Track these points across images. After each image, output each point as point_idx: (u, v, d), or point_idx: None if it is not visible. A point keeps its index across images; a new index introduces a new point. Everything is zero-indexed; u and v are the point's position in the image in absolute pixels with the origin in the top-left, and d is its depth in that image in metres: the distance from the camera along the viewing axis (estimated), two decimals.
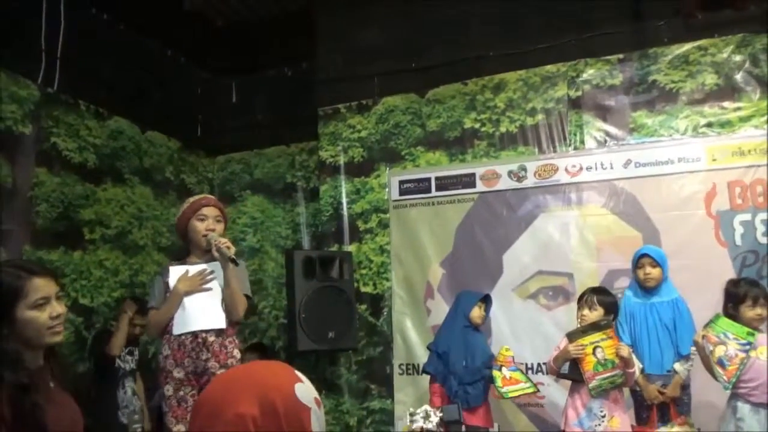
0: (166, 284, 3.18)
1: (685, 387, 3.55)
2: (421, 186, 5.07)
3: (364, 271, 5.17)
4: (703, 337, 3.33)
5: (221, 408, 1.05)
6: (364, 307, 5.12)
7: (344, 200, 5.31)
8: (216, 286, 3.17)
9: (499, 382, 3.76)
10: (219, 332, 3.13)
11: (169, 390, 3.07)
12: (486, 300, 4.13)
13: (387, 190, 5.18)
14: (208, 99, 6.09)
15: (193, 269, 3.18)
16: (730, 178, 4.27)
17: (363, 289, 5.15)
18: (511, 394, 3.80)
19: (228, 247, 3.09)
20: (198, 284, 3.14)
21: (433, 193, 5.02)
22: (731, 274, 3.95)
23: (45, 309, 1.78)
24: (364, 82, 5.32)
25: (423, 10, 5.17)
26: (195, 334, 3.09)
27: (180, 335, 3.10)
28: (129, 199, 5.14)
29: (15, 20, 4.24)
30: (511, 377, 3.78)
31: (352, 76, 5.35)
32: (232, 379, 1.13)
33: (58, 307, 1.82)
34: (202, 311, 3.12)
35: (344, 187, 5.32)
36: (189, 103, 5.93)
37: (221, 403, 1.06)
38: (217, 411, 1.05)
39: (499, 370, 3.79)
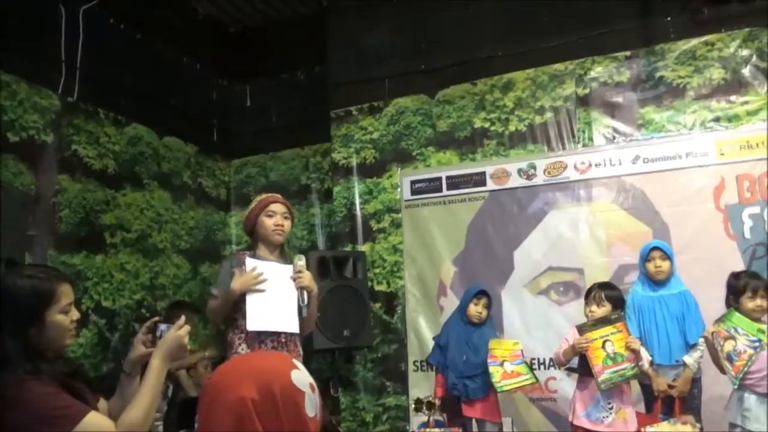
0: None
1: (695, 380, 3.58)
2: (432, 185, 5.15)
3: (377, 270, 5.26)
4: (713, 333, 3.36)
5: (224, 392, 1.15)
6: (378, 305, 5.22)
7: (357, 201, 5.41)
8: (291, 288, 3.21)
9: (496, 377, 3.78)
10: (292, 333, 3.23)
11: None
12: (484, 295, 4.07)
13: (399, 190, 5.28)
14: (224, 104, 6.25)
15: (268, 266, 3.21)
16: (739, 172, 4.30)
17: (377, 288, 5.24)
18: (506, 388, 3.81)
19: (304, 288, 3.17)
20: (251, 284, 3.12)
21: (445, 192, 5.11)
22: (741, 267, 3.98)
23: (69, 314, 1.89)
24: (375, 84, 5.42)
25: (431, 12, 5.26)
26: (277, 334, 3.17)
27: (259, 334, 3.15)
28: (148, 203, 5.28)
29: (35, 32, 4.40)
30: (513, 371, 3.79)
31: (363, 79, 5.46)
32: (234, 367, 1.23)
33: (77, 313, 1.93)
34: (280, 312, 3.17)
35: (357, 188, 5.42)
36: (205, 108, 6.08)
37: (224, 388, 1.16)
38: (221, 395, 1.15)
39: (501, 365, 3.80)
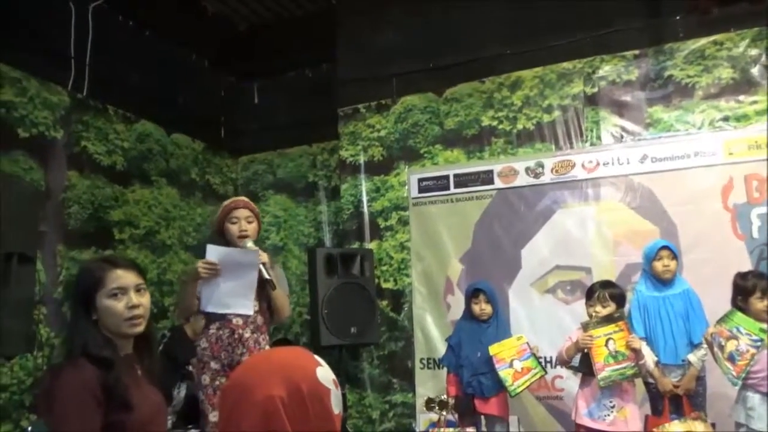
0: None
1: (700, 378, 3.59)
2: (439, 183, 5.15)
3: (384, 268, 5.27)
4: (712, 334, 3.36)
5: (251, 390, 1.15)
6: (385, 302, 5.23)
7: (365, 198, 5.41)
8: (250, 273, 3.24)
9: (509, 381, 3.74)
10: (255, 329, 3.28)
11: (206, 379, 3.23)
12: (480, 292, 4.03)
13: (406, 187, 5.27)
14: (231, 101, 6.26)
15: (229, 253, 3.24)
16: (747, 172, 4.30)
17: (384, 285, 5.25)
18: (519, 390, 3.79)
19: (264, 262, 3.24)
20: (200, 272, 3.16)
21: (452, 190, 5.10)
22: (748, 267, 3.95)
23: (121, 299, 1.88)
24: (382, 82, 5.42)
25: (440, 10, 5.26)
26: (232, 330, 3.23)
27: (218, 324, 3.24)
28: (156, 199, 5.30)
29: (45, 29, 4.41)
30: (523, 368, 3.77)
31: (371, 77, 5.46)
32: (258, 364, 1.23)
33: (135, 299, 1.90)
34: (233, 295, 3.23)
35: (364, 186, 5.43)
36: (213, 105, 6.10)
37: (251, 386, 1.16)
38: (247, 393, 1.15)
39: (510, 366, 3.76)
